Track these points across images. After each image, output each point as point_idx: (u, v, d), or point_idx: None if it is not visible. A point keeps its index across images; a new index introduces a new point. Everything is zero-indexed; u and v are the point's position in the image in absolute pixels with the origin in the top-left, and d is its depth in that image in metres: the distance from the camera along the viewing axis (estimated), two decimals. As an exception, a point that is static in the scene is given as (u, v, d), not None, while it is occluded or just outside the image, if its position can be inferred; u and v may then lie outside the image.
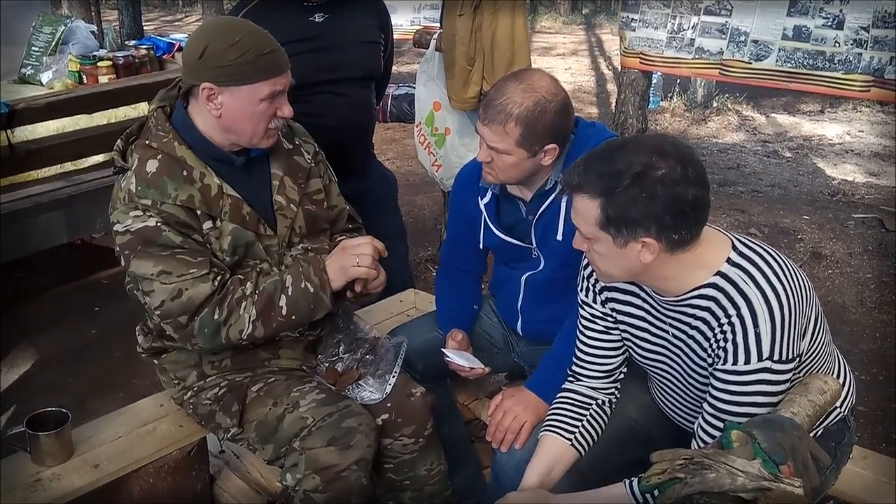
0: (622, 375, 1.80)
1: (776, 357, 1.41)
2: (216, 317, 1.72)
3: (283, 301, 1.77)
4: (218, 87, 1.71)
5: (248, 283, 1.77)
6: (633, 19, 4.09)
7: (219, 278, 1.74)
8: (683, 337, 1.55)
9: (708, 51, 3.88)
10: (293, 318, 1.78)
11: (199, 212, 1.75)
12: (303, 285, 1.77)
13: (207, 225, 1.77)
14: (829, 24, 3.51)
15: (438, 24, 3.47)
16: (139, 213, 1.72)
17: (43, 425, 1.84)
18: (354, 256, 1.79)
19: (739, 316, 1.43)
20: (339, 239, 2.02)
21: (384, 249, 1.84)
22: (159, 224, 1.71)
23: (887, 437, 2.86)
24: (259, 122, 1.75)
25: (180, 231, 1.73)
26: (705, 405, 1.50)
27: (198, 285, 1.71)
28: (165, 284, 1.70)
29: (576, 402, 1.78)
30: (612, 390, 1.80)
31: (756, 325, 1.41)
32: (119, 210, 1.75)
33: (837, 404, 1.63)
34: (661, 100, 8.19)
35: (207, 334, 1.74)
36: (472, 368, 2.01)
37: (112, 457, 1.89)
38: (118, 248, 1.76)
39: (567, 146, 1.87)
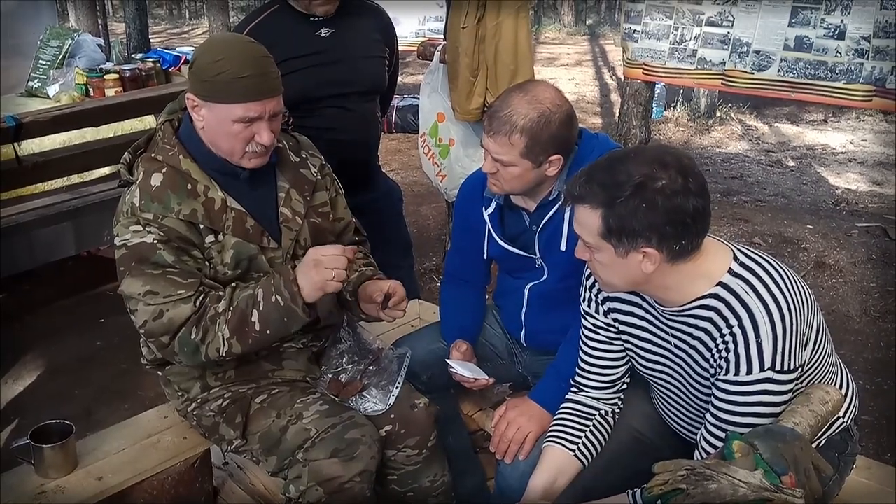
0: (625, 386, 1.80)
1: (778, 367, 1.41)
2: (193, 336, 1.73)
3: (255, 317, 1.74)
4: (199, 100, 1.74)
5: (223, 301, 1.74)
6: (635, 31, 4.11)
7: (201, 298, 1.73)
8: (685, 347, 1.55)
9: (710, 61, 3.89)
10: (268, 332, 1.76)
11: (201, 226, 1.76)
12: (273, 299, 1.74)
13: (210, 239, 1.78)
14: (831, 34, 3.53)
15: (442, 37, 3.49)
16: (139, 227, 1.73)
17: (47, 437, 1.85)
18: (330, 271, 1.72)
19: (741, 326, 1.43)
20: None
21: (354, 254, 1.80)
22: (156, 241, 1.72)
23: (892, 446, 2.85)
24: (234, 142, 1.75)
25: (178, 248, 1.73)
26: (708, 416, 1.50)
27: (179, 306, 1.71)
28: (149, 305, 1.71)
29: (579, 413, 1.78)
30: (615, 401, 1.80)
31: (758, 336, 1.42)
32: (121, 223, 1.76)
33: (840, 414, 1.63)
34: (665, 110, 8.21)
35: (188, 353, 1.75)
36: (476, 379, 2.01)
37: (116, 469, 1.89)
38: (116, 262, 1.77)
39: (571, 157, 1.88)
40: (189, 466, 1.97)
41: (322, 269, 1.72)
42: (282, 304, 1.73)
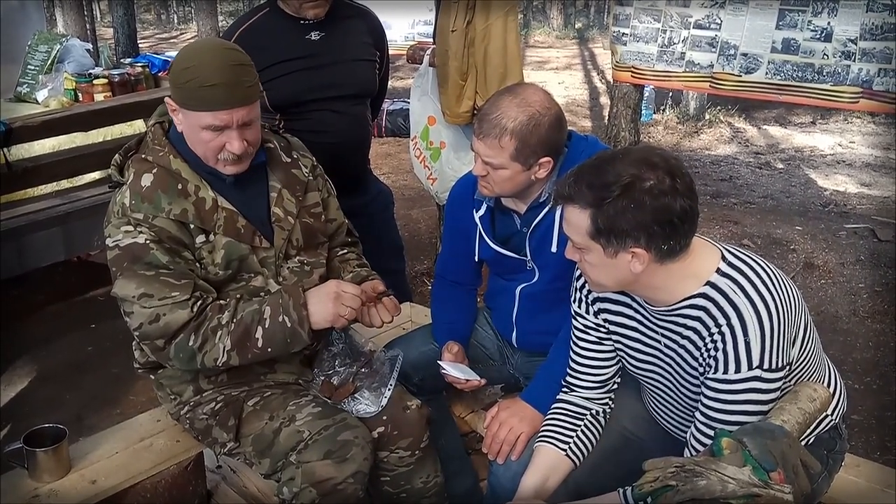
0: (616, 386, 1.81)
1: (766, 366, 1.43)
2: (191, 343, 1.73)
3: (259, 333, 1.75)
4: (176, 105, 1.76)
5: (226, 312, 1.75)
6: (623, 34, 4.13)
7: (198, 304, 1.74)
8: (675, 346, 1.57)
9: (698, 64, 3.92)
10: (269, 350, 1.78)
11: (192, 226, 1.77)
12: (280, 319, 1.76)
13: (200, 239, 1.78)
14: (818, 36, 3.56)
15: (432, 40, 3.50)
16: (130, 228, 1.73)
17: (40, 441, 1.84)
18: (346, 308, 1.78)
19: (729, 325, 1.44)
20: (335, 258, 2.05)
21: (367, 297, 1.87)
22: (148, 241, 1.72)
23: (881, 445, 2.88)
24: (206, 149, 1.76)
25: (170, 248, 1.74)
26: (697, 414, 1.52)
27: (175, 311, 1.71)
28: (144, 308, 1.71)
29: (570, 413, 1.79)
30: (606, 400, 1.81)
31: (746, 335, 1.43)
32: (112, 224, 1.76)
33: (828, 412, 1.64)
34: (654, 112, 8.25)
35: (183, 359, 1.76)
36: (467, 380, 2.02)
37: (109, 472, 1.89)
38: (109, 263, 1.77)
39: (560, 159, 1.89)
40: (182, 469, 1.98)
41: (339, 305, 1.78)
42: (288, 325, 1.76)
